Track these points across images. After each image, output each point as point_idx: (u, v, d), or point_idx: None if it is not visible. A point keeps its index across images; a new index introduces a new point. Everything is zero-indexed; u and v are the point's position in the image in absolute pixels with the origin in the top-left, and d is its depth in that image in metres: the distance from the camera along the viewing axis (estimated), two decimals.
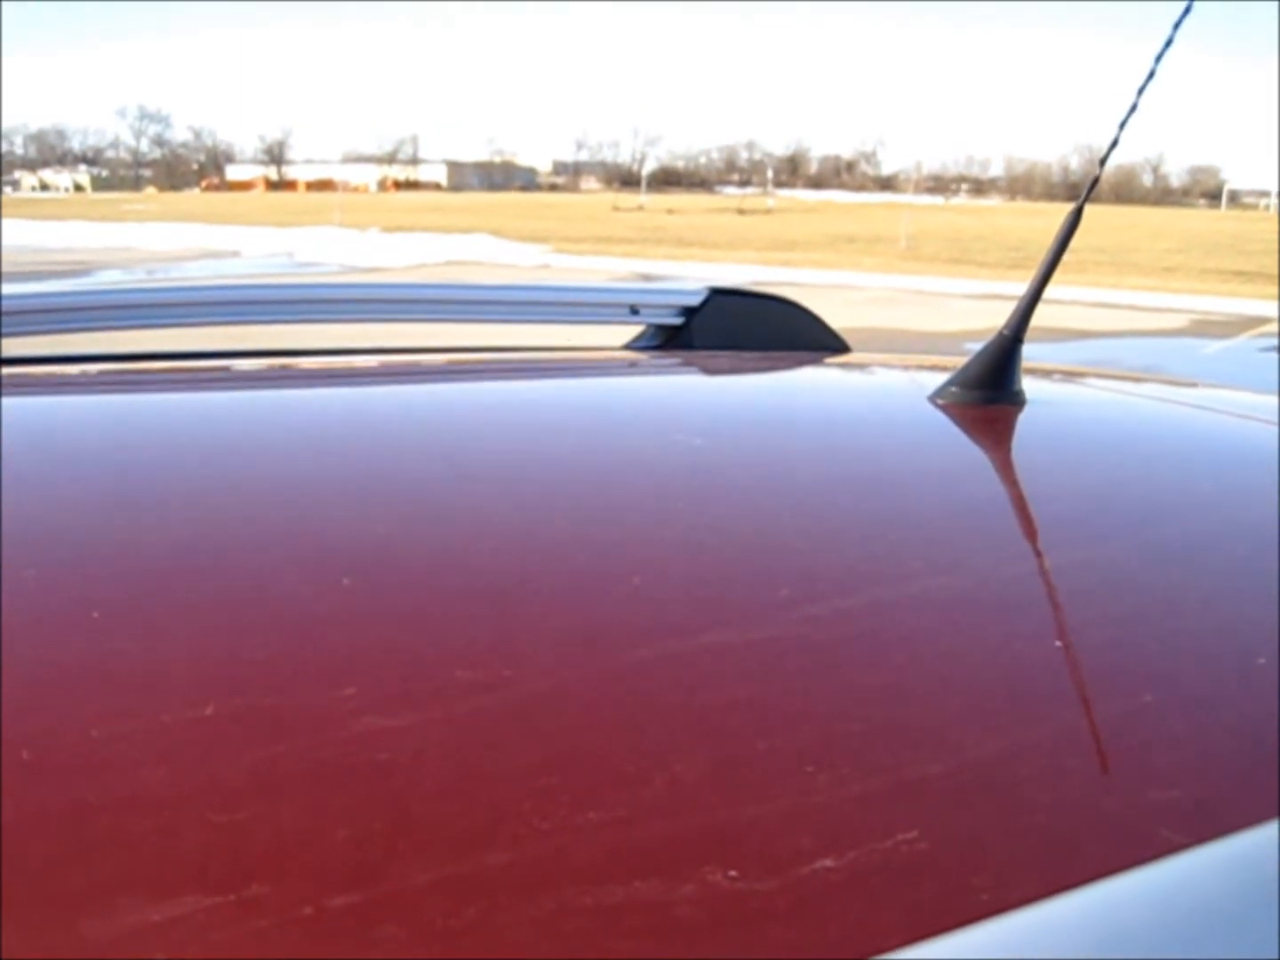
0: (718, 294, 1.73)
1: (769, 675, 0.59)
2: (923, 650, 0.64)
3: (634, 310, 1.69)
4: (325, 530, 0.76)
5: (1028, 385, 1.16)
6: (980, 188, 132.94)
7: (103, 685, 0.54)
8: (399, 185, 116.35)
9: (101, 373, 1.35)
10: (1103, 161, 1.15)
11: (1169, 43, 1.12)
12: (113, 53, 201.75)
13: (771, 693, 0.57)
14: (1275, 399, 1.35)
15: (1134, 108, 1.13)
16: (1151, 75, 1.12)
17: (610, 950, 0.39)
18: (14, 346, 1.39)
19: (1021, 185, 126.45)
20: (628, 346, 1.75)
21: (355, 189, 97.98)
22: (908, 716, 0.56)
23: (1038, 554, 0.81)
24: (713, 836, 0.45)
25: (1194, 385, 1.52)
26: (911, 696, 0.58)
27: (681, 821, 0.46)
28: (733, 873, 0.43)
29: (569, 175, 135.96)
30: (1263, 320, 16.22)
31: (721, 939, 0.40)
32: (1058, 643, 0.65)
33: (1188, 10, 1.12)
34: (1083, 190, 1.14)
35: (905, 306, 17.10)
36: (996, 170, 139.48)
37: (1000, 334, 1.13)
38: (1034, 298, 1.13)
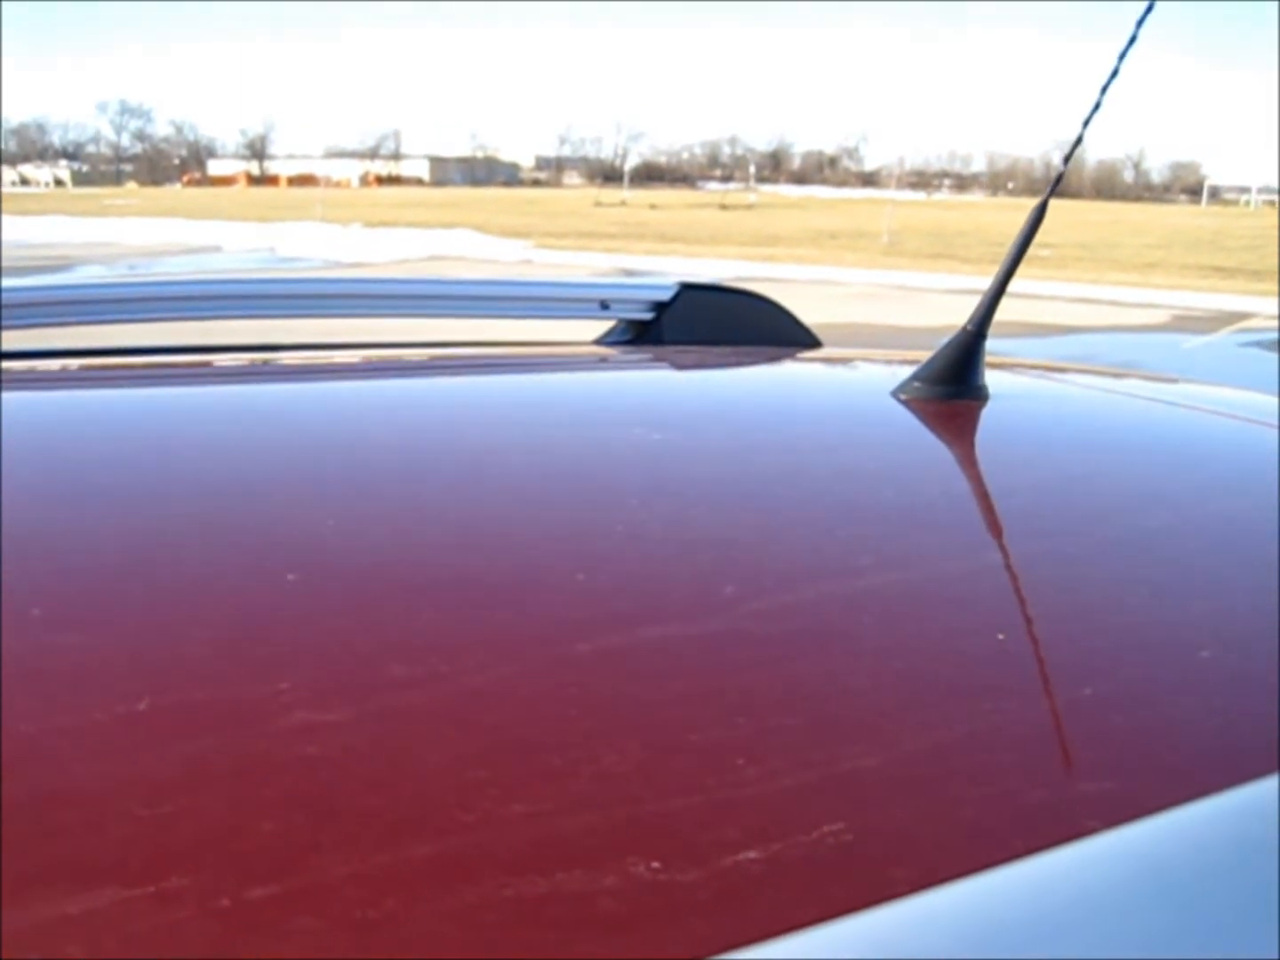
0: (688, 289, 1.73)
1: (706, 670, 0.59)
2: (865, 645, 0.63)
3: (604, 305, 1.69)
4: (273, 524, 0.75)
5: (992, 380, 1.16)
6: (963, 183, 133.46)
7: (36, 679, 0.54)
8: (381, 180, 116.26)
9: (85, 368, 1.35)
10: (1066, 158, 1.16)
11: (1132, 40, 1.12)
12: (94, 47, 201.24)
13: (707, 687, 0.57)
14: (1248, 394, 1.36)
15: (1098, 105, 1.13)
16: (1115, 74, 1.12)
17: (528, 942, 0.40)
18: (8, 340, 1.39)
19: (1004, 180, 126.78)
20: (598, 341, 1.75)
21: (337, 184, 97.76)
22: (844, 711, 0.56)
23: (988, 548, 0.81)
24: (638, 828, 0.46)
25: (1168, 381, 1.52)
26: (850, 691, 0.58)
27: (607, 813, 0.46)
28: (655, 864, 0.43)
29: (551, 170, 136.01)
30: (1242, 316, 16.29)
31: (641, 930, 0.41)
32: (1000, 636, 0.66)
33: (1149, 9, 1.13)
34: (1048, 186, 1.15)
35: (887, 302, 17.13)
36: (979, 166, 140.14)
37: (964, 329, 1.13)
38: (997, 293, 1.13)
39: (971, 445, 1.11)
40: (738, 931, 0.40)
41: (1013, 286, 1.14)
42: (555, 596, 0.67)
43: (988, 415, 1.13)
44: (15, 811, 0.44)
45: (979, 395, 1.14)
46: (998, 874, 0.44)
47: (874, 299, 17.52)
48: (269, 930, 0.39)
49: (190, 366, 1.42)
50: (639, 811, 0.47)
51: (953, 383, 1.13)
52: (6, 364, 1.30)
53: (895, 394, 1.15)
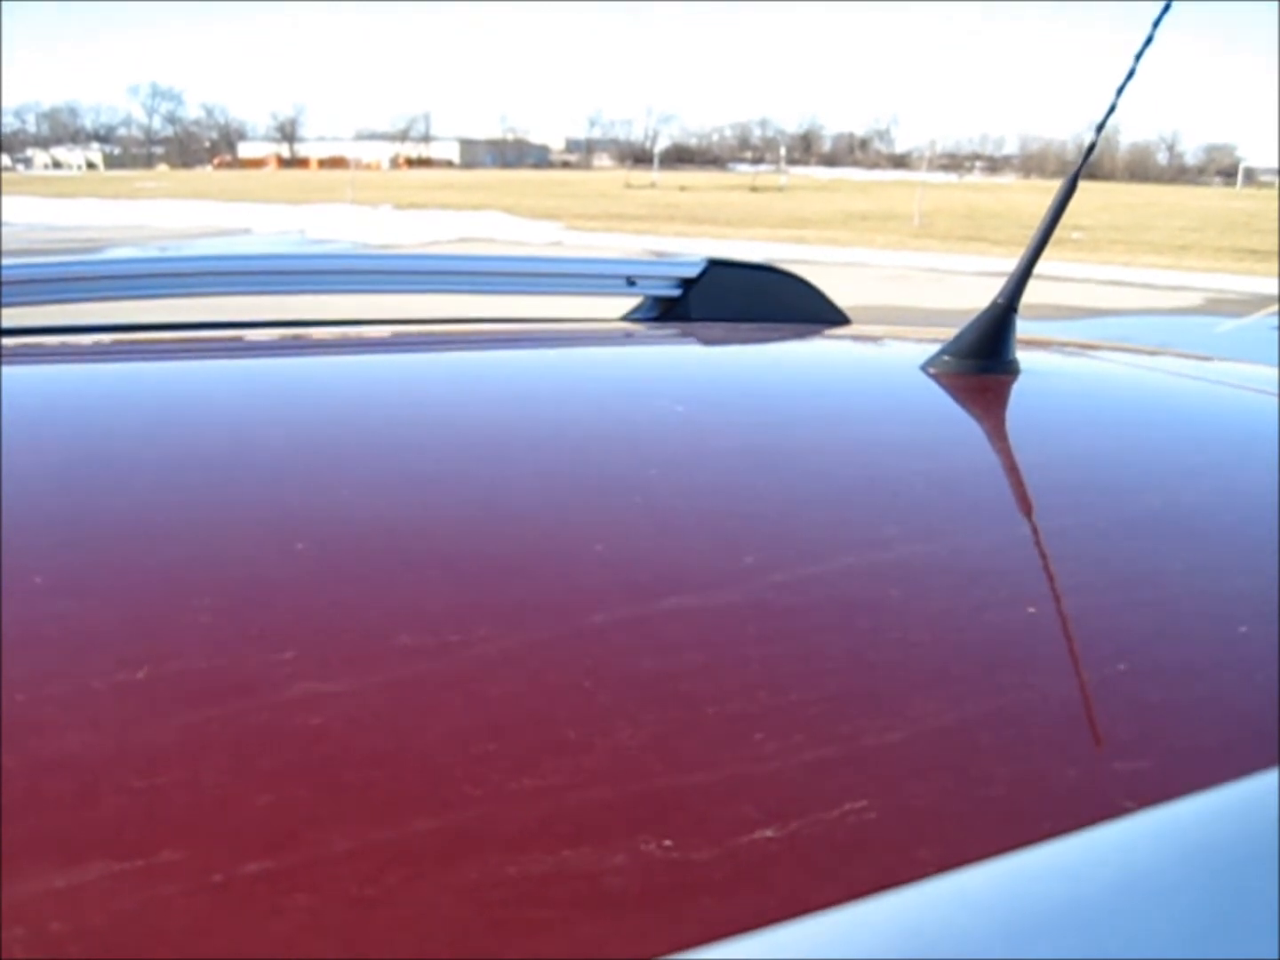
0: (715, 265, 1.72)
1: (725, 642, 0.57)
2: (890, 619, 0.62)
3: (631, 282, 1.69)
4: (283, 495, 0.75)
5: (1023, 355, 1.15)
6: (994, 165, 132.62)
7: (35, 646, 0.53)
8: (411, 163, 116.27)
9: (94, 344, 1.34)
10: (1089, 148, 1.15)
11: (1149, 41, 1.11)
12: (126, 30, 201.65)
13: (726, 660, 0.56)
14: (1277, 371, 1.33)
15: (1113, 107, 1.13)
16: (1131, 74, 1.11)
17: (532, 921, 0.39)
18: (15, 317, 1.39)
19: (1036, 163, 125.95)
20: (626, 318, 1.74)
21: (368, 166, 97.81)
22: (868, 685, 0.55)
23: (1018, 522, 0.80)
24: (651, 805, 0.44)
25: (1201, 359, 1.49)
26: (874, 665, 0.57)
27: (619, 789, 0.45)
28: (667, 842, 0.42)
29: (582, 152, 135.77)
30: (1277, 299, 16.14)
31: (650, 909, 0.40)
32: (1030, 610, 0.64)
33: (1166, 9, 1.12)
34: (1078, 161, 1.13)
35: (918, 284, 17.04)
36: (1011, 148, 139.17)
37: (994, 303, 1.12)
38: (1029, 266, 1.12)
39: (1002, 419, 1.09)
40: (752, 911, 0.39)
41: (1044, 269, 1.13)
42: (572, 567, 0.66)
43: (1018, 390, 1.11)
44: (6, 781, 0.43)
45: (1010, 370, 1.13)
46: (1027, 854, 0.43)
47: (905, 281, 17.44)
48: (263, 906, 0.38)
49: (207, 341, 1.42)
50: (653, 787, 0.46)
51: (983, 357, 1.11)
52: (22, 339, 1.30)
53: (925, 368, 1.14)
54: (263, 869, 0.40)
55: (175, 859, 0.40)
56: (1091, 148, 1.15)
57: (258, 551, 0.65)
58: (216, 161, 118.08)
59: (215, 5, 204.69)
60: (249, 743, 0.47)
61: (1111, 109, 1.12)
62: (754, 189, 50.45)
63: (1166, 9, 1.12)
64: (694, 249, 20.52)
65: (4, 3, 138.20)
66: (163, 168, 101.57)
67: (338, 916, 0.38)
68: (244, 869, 0.39)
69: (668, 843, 0.42)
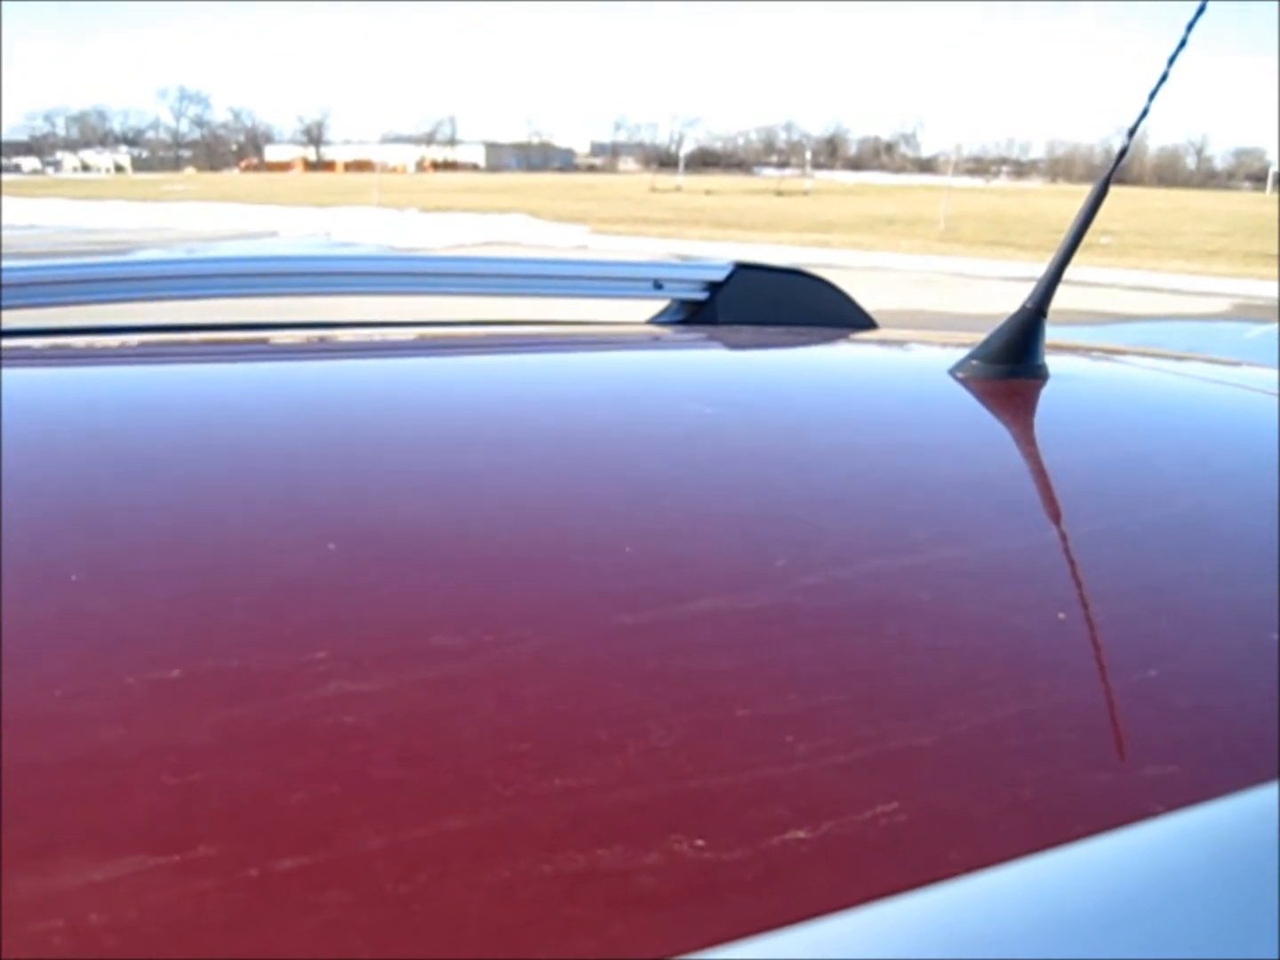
0: (742, 269, 1.71)
1: (756, 644, 0.57)
2: (919, 622, 0.62)
3: (658, 285, 1.68)
4: (315, 495, 0.75)
5: (1052, 360, 1.14)
6: (1021, 170, 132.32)
7: (70, 644, 0.54)
8: (437, 166, 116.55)
9: (127, 345, 1.35)
10: (1120, 155, 1.14)
11: (1183, 44, 1.10)
12: (153, 34, 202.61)
13: (757, 662, 0.56)
14: None
15: (1145, 111, 1.12)
16: (1164, 78, 1.11)
17: (564, 920, 0.39)
18: (17, 319, 1.39)
19: (1063, 167, 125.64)
20: (652, 321, 1.73)
21: (393, 170, 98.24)
22: (897, 688, 0.55)
23: (1047, 527, 0.79)
24: (682, 805, 0.45)
25: (1229, 364, 1.48)
26: (904, 668, 0.57)
27: (650, 789, 0.45)
28: (699, 842, 0.42)
29: (607, 156, 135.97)
30: None
31: (682, 907, 0.40)
32: (1060, 615, 0.63)
33: (1201, 11, 1.11)
34: (1107, 166, 1.13)
35: (943, 289, 17.02)
36: (1038, 153, 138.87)
37: (1023, 307, 1.11)
38: (1058, 270, 1.11)
39: (1031, 424, 1.08)
40: (783, 910, 0.39)
41: (1071, 274, 1.12)
42: (602, 569, 0.66)
43: (1047, 394, 1.10)
44: (43, 776, 0.44)
45: (1039, 374, 1.12)
46: (1055, 855, 0.43)
47: (930, 286, 17.42)
48: (297, 902, 0.38)
49: (243, 342, 1.42)
50: (684, 788, 0.45)
51: (1012, 361, 1.11)
52: (57, 339, 1.32)
53: (953, 372, 1.13)
54: (297, 865, 0.40)
55: (210, 854, 0.40)
56: (1123, 152, 1.14)
57: (290, 553, 0.65)
58: (243, 165, 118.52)
59: (243, 7, 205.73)
60: (282, 741, 0.47)
61: (1144, 113, 1.12)
62: (779, 193, 50.42)
63: (1201, 12, 1.11)
64: (719, 253, 20.52)
65: (38, 4, 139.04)
66: (190, 170, 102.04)
67: (371, 913, 0.38)
68: (278, 865, 0.40)
69: (700, 842, 0.42)
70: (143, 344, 1.36)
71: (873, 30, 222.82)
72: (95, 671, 0.51)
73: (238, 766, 0.45)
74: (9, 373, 1.04)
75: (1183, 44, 1.10)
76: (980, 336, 1.16)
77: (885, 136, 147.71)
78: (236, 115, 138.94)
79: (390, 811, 0.43)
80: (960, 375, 1.12)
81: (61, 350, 1.28)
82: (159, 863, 0.39)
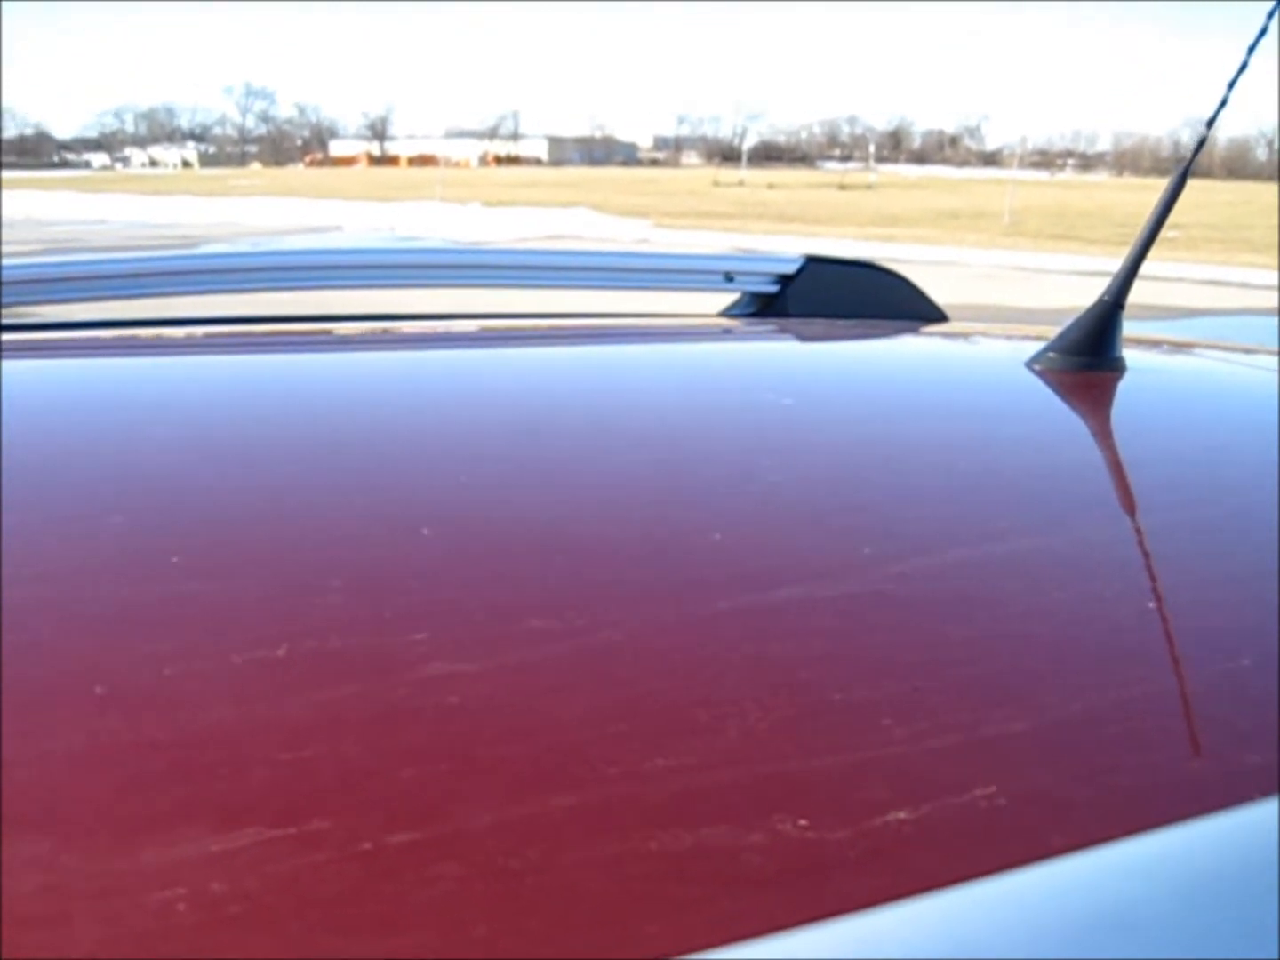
0: (814, 262, 1.71)
1: (847, 630, 0.58)
2: (1008, 609, 0.63)
3: (729, 277, 1.68)
4: (410, 480, 0.77)
5: (1129, 354, 1.14)
6: (1087, 163, 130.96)
7: (177, 625, 0.55)
8: (500, 160, 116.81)
9: (193, 336, 1.37)
10: (1197, 149, 1.14)
11: (1263, 32, 1.09)
12: (221, 30, 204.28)
13: (850, 647, 0.57)
14: None
15: (1224, 102, 1.12)
16: (1244, 67, 1.10)
17: (675, 896, 0.39)
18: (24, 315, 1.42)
19: (1129, 160, 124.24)
20: (723, 313, 1.74)
21: (457, 164, 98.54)
22: (989, 674, 0.55)
23: (1132, 516, 0.79)
24: (783, 786, 0.45)
25: None
26: (994, 655, 0.58)
27: (751, 769, 0.46)
28: (802, 822, 0.42)
29: (670, 150, 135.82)
30: None
31: (789, 887, 0.40)
32: (1150, 605, 0.64)
33: None
34: (1178, 160, 1.12)
35: (1008, 283, 16.91)
36: (1104, 145, 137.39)
37: (1100, 299, 1.11)
38: (1136, 262, 1.11)
39: (1110, 416, 1.08)
40: (887, 889, 0.39)
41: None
42: (692, 555, 0.67)
43: (1126, 387, 1.10)
44: (160, 750, 0.45)
45: (1116, 367, 1.12)
46: (1153, 838, 0.43)
47: (994, 280, 17.31)
48: (411, 876, 0.39)
49: (330, 333, 1.45)
50: (784, 769, 0.46)
51: (1089, 354, 1.11)
52: (51, 335, 1.35)
53: (1029, 365, 1.13)
54: (410, 839, 0.41)
55: (324, 828, 0.41)
56: (1201, 143, 1.13)
57: (384, 537, 0.66)
58: (308, 159, 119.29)
59: (309, 5, 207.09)
60: (388, 719, 0.48)
61: (1223, 103, 1.11)
62: (842, 186, 50.23)
63: None
64: (781, 246, 20.46)
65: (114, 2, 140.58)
66: (256, 166, 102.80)
67: (485, 886, 0.39)
68: (392, 839, 0.40)
69: (803, 822, 0.42)
70: (217, 335, 1.39)
71: (938, 23, 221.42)
72: (203, 652, 0.52)
73: (347, 743, 0.46)
74: (116, 362, 1.08)
75: (1263, 31, 1.09)
76: (1050, 329, 1.16)
77: (949, 130, 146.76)
78: (301, 111, 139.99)
79: (498, 788, 0.44)
80: (1037, 368, 1.12)
81: (152, 341, 1.31)
82: (276, 835, 0.40)
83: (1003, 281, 17.14)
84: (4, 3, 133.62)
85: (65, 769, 0.44)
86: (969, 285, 15.85)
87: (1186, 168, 1.12)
